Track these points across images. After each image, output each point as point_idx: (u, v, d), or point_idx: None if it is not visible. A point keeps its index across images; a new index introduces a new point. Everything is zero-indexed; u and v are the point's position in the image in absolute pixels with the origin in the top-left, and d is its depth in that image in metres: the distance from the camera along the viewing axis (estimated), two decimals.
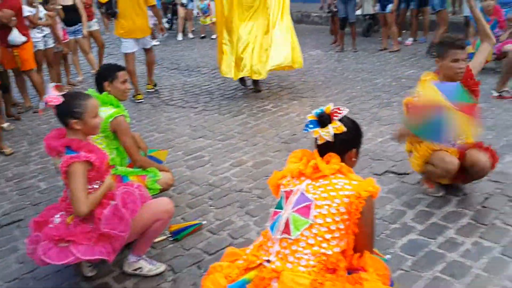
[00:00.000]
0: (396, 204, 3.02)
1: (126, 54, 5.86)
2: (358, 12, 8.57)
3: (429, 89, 2.71)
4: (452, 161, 2.87)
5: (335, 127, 1.75)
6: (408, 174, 3.40)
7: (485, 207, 2.90)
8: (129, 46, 5.81)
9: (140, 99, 5.88)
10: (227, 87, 6.26)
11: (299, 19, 12.12)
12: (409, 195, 3.12)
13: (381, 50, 7.90)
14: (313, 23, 11.75)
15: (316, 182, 1.76)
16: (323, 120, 1.78)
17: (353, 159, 1.85)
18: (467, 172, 2.91)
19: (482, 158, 2.80)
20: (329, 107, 1.80)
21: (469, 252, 2.48)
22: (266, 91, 5.93)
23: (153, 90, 6.26)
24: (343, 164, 1.78)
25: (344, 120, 1.79)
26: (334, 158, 1.77)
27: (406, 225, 2.77)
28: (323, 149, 1.80)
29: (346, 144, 1.80)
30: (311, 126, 1.80)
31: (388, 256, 2.33)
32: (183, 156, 4.04)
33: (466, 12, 6.98)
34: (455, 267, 2.36)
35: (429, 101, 2.64)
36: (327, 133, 1.76)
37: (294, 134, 4.38)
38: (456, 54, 2.83)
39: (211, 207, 3.15)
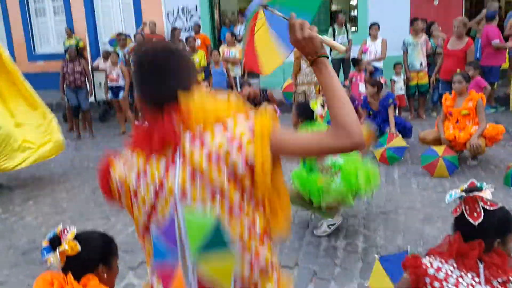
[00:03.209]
0: None
1: None
2: (92, 99, 8.50)
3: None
4: None
5: (64, 250, 1.62)
6: None
7: None
8: None
9: None
10: None
11: None
12: None
13: (120, 134, 7.99)
14: None
15: None
16: (54, 243, 1.64)
17: (105, 275, 1.71)
18: None
19: None
20: (59, 228, 1.68)
21: None
22: None
23: None
24: (101, 284, 1.66)
25: (84, 236, 1.70)
26: (92, 280, 1.64)
27: None
28: (74, 271, 1.65)
29: (88, 262, 1.68)
30: (45, 253, 1.63)
31: None
32: None
33: None
34: None
35: None
36: (55, 258, 1.62)
37: (33, 242, 3.82)
38: None
39: None
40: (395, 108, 7.61)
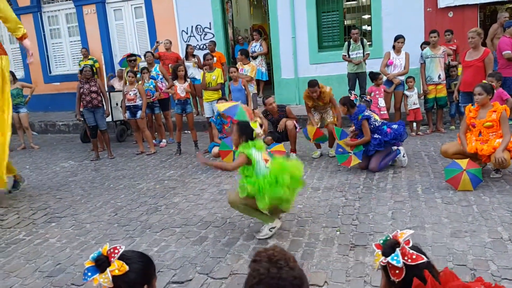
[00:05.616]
0: None
1: None
2: (109, 119, 8.59)
3: None
4: None
5: (113, 270, 1.59)
6: (191, 280, 3.36)
7: None
8: None
9: None
10: None
11: (43, 130, 11.35)
12: None
13: (138, 154, 8.02)
14: (60, 132, 11.14)
15: None
16: (101, 264, 1.60)
17: None
18: None
19: None
20: (105, 248, 1.64)
21: None
22: (15, 217, 5.09)
23: None
24: None
25: (129, 256, 1.66)
26: None
27: None
28: None
29: (135, 284, 1.65)
30: (89, 274, 1.59)
31: None
32: None
33: (208, 114, 7.87)
34: None
35: None
36: (105, 279, 1.58)
37: (58, 264, 3.82)
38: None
39: None
40: (410, 123, 7.56)
